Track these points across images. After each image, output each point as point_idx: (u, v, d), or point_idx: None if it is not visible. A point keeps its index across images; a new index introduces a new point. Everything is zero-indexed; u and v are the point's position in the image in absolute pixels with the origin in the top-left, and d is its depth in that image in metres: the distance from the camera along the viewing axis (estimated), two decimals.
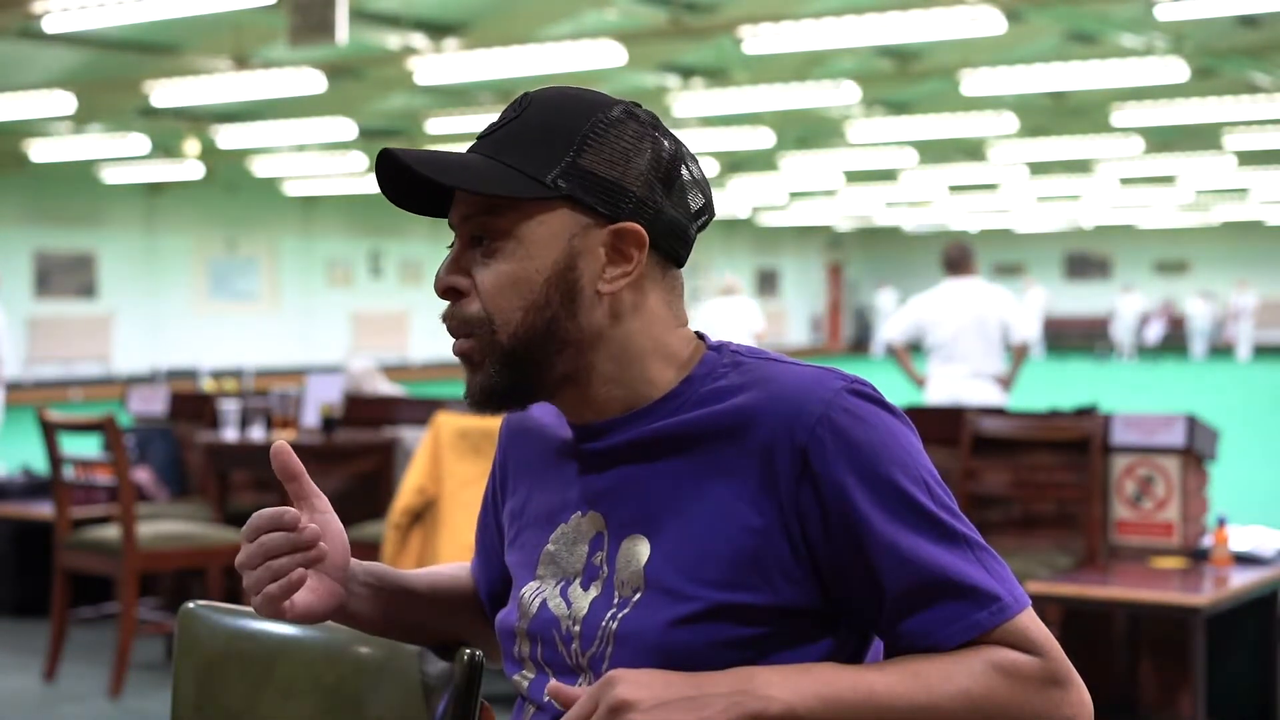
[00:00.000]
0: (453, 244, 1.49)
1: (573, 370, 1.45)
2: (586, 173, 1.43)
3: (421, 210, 1.51)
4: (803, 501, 1.38)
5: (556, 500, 1.52)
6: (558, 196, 1.43)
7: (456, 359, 1.47)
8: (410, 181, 1.47)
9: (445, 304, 1.48)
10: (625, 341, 1.46)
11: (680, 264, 1.50)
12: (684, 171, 1.48)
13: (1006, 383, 7.63)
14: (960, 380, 7.56)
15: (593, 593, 1.46)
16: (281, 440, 1.47)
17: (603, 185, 1.43)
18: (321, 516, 1.48)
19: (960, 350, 7.59)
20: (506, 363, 1.44)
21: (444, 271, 1.46)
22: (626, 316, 1.45)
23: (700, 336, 1.52)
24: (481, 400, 1.46)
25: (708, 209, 1.51)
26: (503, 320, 1.43)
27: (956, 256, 7.77)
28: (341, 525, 1.51)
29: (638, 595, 1.42)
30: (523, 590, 1.52)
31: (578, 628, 1.45)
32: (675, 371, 1.47)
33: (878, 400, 1.42)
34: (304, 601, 1.46)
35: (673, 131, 1.50)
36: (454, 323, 1.46)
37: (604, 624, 1.43)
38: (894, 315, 8.07)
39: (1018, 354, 7.78)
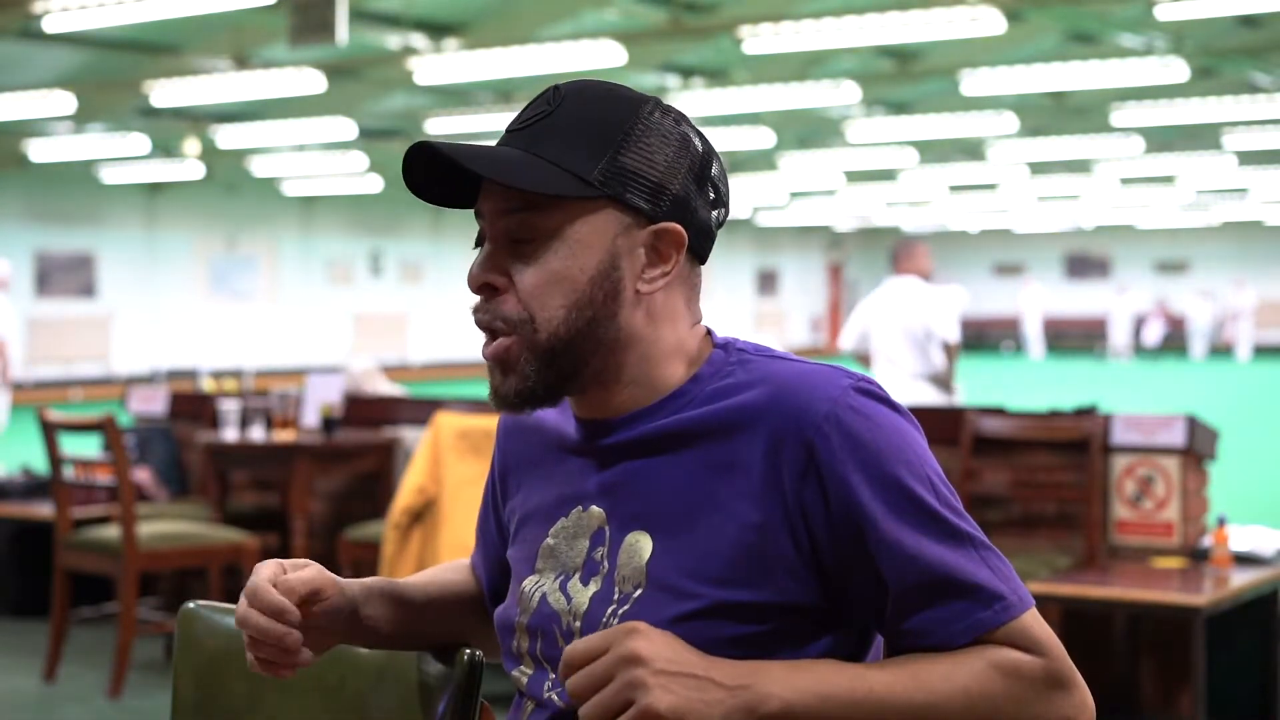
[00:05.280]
0: (479, 238, 1.47)
1: (603, 369, 1.45)
2: (629, 171, 1.42)
3: (444, 201, 1.49)
4: (807, 498, 1.38)
5: (558, 495, 1.52)
6: (602, 195, 1.42)
7: (486, 360, 1.45)
8: (438, 172, 1.45)
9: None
10: (655, 342, 1.45)
11: (704, 261, 1.49)
12: (713, 169, 1.48)
13: (945, 382, 7.31)
14: (899, 382, 7.23)
15: (592, 588, 1.45)
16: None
17: (645, 184, 1.42)
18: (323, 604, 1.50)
19: (895, 352, 7.32)
20: (545, 362, 1.42)
21: (478, 268, 1.44)
22: (659, 317, 1.45)
23: (708, 332, 1.51)
24: (516, 403, 1.44)
25: (727, 206, 1.51)
26: (544, 318, 1.41)
27: (896, 253, 7.46)
28: (334, 578, 1.51)
29: (638, 591, 1.41)
30: (523, 584, 1.52)
31: (578, 623, 1.45)
32: (685, 368, 1.47)
33: (884, 399, 1.41)
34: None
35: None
36: (489, 319, 1.44)
37: (604, 620, 1.42)
38: (848, 321, 7.84)
39: (948, 353, 7.36)
